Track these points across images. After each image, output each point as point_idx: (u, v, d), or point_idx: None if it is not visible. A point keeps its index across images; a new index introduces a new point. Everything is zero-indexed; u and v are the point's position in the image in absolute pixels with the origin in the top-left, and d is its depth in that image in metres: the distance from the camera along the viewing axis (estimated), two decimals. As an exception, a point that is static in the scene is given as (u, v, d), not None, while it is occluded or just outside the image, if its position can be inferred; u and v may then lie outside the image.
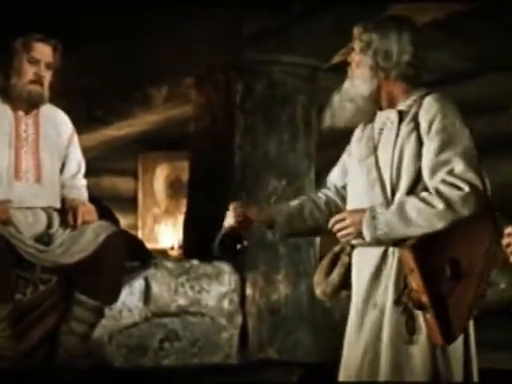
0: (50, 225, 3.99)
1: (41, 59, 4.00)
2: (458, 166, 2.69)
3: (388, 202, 2.76)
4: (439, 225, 2.67)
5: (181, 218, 6.71)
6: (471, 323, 2.78)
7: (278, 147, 4.61)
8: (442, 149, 2.71)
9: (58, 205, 4.06)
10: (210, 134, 4.68)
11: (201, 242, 4.27)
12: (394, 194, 2.78)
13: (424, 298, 2.66)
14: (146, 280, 4.29)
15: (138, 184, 6.95)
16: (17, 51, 4.00)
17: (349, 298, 2.92)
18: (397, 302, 2.74)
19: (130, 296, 4.14)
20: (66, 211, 4.02)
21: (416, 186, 2.76)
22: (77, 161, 4.20)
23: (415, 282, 2.67)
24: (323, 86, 4.57)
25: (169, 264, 4.41)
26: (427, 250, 2.68)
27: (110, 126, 5.42)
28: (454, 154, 2.71)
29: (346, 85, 2.89)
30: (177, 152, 6.64)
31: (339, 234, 2.82)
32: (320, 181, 4.44)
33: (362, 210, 2.76)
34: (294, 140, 4.55)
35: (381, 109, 2.87)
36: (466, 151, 2.71)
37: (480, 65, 5.53)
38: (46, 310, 3.92)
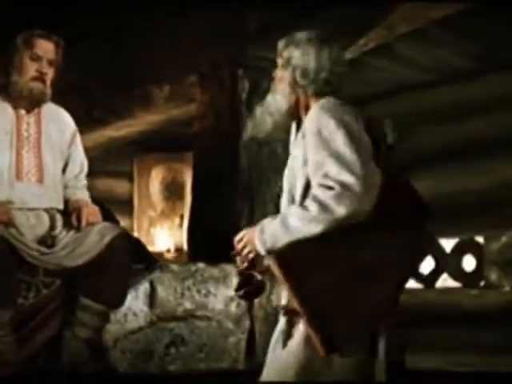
0: (52, 226, 3.87)
1: (43, 56, 3.88)
2: (331, 168, 2.71)
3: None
4: (316, 229, 2.67)
5: (177, 221, 6.62)
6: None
7: (284, 146, 4.50)
8: (316, 152, 2.76)
9: (60, 206, 3.94)
10: (214, 133, 4.58)
11: (207, 243, 4.17)
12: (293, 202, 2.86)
13: (296, 305, 2.63)
14: (152, 283, 4.18)
15: (133, 186, 6.85)
16: (18, 48, 3.89)
17: None
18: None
19: (135, 300, 4.02)
20: (70, 212, 3.91)
21: (306, 195, 2.80)
22: (80, 161, 4.08)
23: (286, 289, 2.67)
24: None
25: (174, 267, 4.30)
26: (298, 257, 2.66)
27: (108, 126, 5.30)
28: (326, 156, 2.74)
29: (268, 98, 2.99)
30: (173, 154, 6.55)
31: (242, 253, 2.87)
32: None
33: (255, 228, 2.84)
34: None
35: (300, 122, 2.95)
36: (339, 153, 2.71)
37: (484, 64, 5.46)
38: (49, 315, 3.80)
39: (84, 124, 4.22)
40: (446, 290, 6.17)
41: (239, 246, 2.87)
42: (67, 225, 3.88)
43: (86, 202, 3.97)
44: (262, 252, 2.77)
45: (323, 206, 2.67)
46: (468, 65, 5.44)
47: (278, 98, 2.97)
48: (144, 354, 4.09)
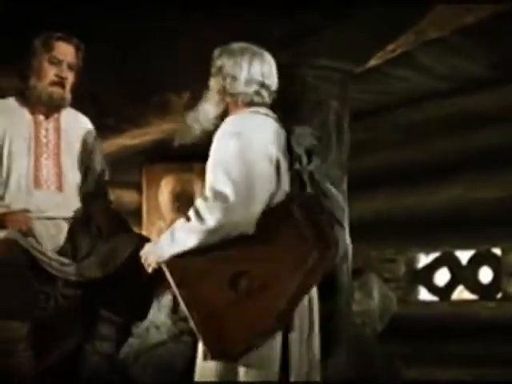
0: (72, 236, 3.72)
1: (63, 59, 3.74)
2: (211, 176, 2.78)
3: None
4: (192, 241, 2.72)
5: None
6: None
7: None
8: (210, 158, 2.85)
9: (80, 215, 3.79)
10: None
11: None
12: None
13: (184, 311, 2.74)
14: (174, 295, 4.01)
15: (142, 196, 6.71)
16: (36, 51, 3.74)
17: None
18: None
19: (158, 313, 3.85)
20: (90, 222, 3.77)
21: None
22: (100, 168, 3.94)
23: (176, 295, 2.79)
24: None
25: (197, 278, 4.13)
26: (187, 266, 2.73)
27: (122, 134, 5.14)
28: (211, 163, 2.81)
29: (199, 106, 3.05)
30: (182, 164, 6.41)
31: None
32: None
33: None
34: (326, 148, 4.32)
35: None
36: (224, 163, 2.75)
37: (502, 73, 5.36)
38: (68, 328, 3.67)
39: (96, 132, 4.06)
40: (462, 303, 6.08)
41: (142, 257, 2.96)
42: (88, 235, 3.75)
43: (107, 211, 3.83)
44: (153, 263, 2.87)
45: (198, 215, 2.71)
46: (486, 74, 5.34)
47: (207, 107, 3.01)
48: (167, 369, 3.91)
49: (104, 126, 5.01)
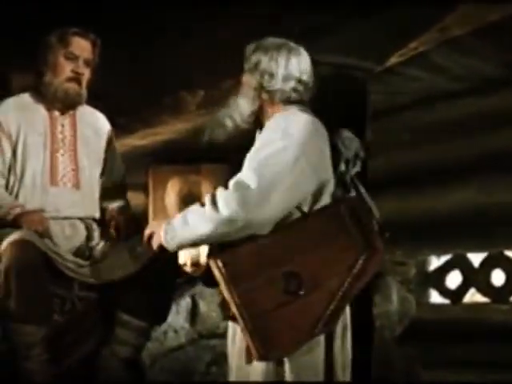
0: (89, 237, 3.62)
1: (79, 55, 3.63)
2: (244, 170, 2.70)
3: None
4: (205, 227, 2.64)
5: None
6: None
7: (329, 154, 4.26)
8: (250, 155, 2.76)
9: (97, 214, 3.69)
10: (254, 140, 4.34)
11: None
12: None
13: (233, 309, 2.62)
14: (193, 298, 3.91)
15: (148, 198, 6.59)
16: (52, 46, 3.62)
17: None
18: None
19: (176, 316, 3.75)
20: (108, 222, 3.66)
21: None
22: (117, 167, 3.83)
23: (224, 292, 2.66)
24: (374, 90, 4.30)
25: (217, 280, 4.02)
26: (239, 260, 2.64)
27: (132, 134, 5.02)
28: (250, 160, 2.72)
29: (231, 101, 2.96)
30: (190, 165, 6.30)
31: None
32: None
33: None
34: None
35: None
36: (261, 161, 2.67)
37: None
38: (85, 331, 3.55)
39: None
40: (474, 306, 5.98)
41: (146, 234, 2.86)
42: (105, 235, 3.64)
43: (125, 211, 3.72)
44: (164, 243, 2.76)
45: (213, 204, 2.63)
46: (500, 74, 5.26)
47: (242, 102, 2.92)
48: (184, 373, 3.81)
49: (115, 126, 4.89)
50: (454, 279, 6.06)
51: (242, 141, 4.42)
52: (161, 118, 4.88)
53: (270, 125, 2.82)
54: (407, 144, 5.85)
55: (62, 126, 3.67)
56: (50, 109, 3.66)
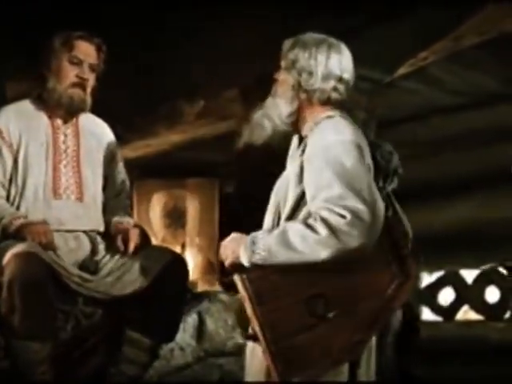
0: (94, 250, 3.45)
1: (84, 60, 3.47)
2: (339, 191, 2.50)
3: (274, 227, 2.66)
4: (324, 253, 2.47)
5: (178, 250, 6.21)
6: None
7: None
8: (320, 171, 2.55)
9: (101, 228, 3.52)
10: (257, 152, 4.21)
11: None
12: (280, 218, 2.68)
13: (255, 328, 2.52)
14: (200, 315, 3.76)
15: (132, 212, 6.42)
16: (56, 50, 3.46)
17: None
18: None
19: (182, 333, 3.58)
20: (114, 235, 3.48)
21: (296, 211, 2.62)
22: (121, 178, 3.66)
23: (247, 309, 2.54)
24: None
25: (224, 297, 3.87)
26: (265, 279, 2.54)
27: (125, 145, 4.85)
28: (332, 177, 2.52)
29: (268, 102, 2.77)
30: (175, 179, 6.16)
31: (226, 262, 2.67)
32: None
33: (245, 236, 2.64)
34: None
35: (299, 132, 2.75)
36: (348, 176, 2.50)
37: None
38: (91, 349, 3.39)
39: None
40: (468, 323, 5.92)
41: (222, 254, 2.67)
42: (110, 249, 3.47)
43: (132, 223, 3.55)
44: (245, 263, 2.56)
45: (334, 233, 2.45)
46: (500, 88, 5.22)
47: (280, 102, 2.73)
48: (191, 393, 3.66)
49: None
50: (446, 296, 6.00)
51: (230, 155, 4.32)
52: (155, 128, 4.71)
53: (325, 134, 2.62)
54: (405, 158, 5.79)
55: (65, 135, 3.52)
56: (51, 116, 3.50)
